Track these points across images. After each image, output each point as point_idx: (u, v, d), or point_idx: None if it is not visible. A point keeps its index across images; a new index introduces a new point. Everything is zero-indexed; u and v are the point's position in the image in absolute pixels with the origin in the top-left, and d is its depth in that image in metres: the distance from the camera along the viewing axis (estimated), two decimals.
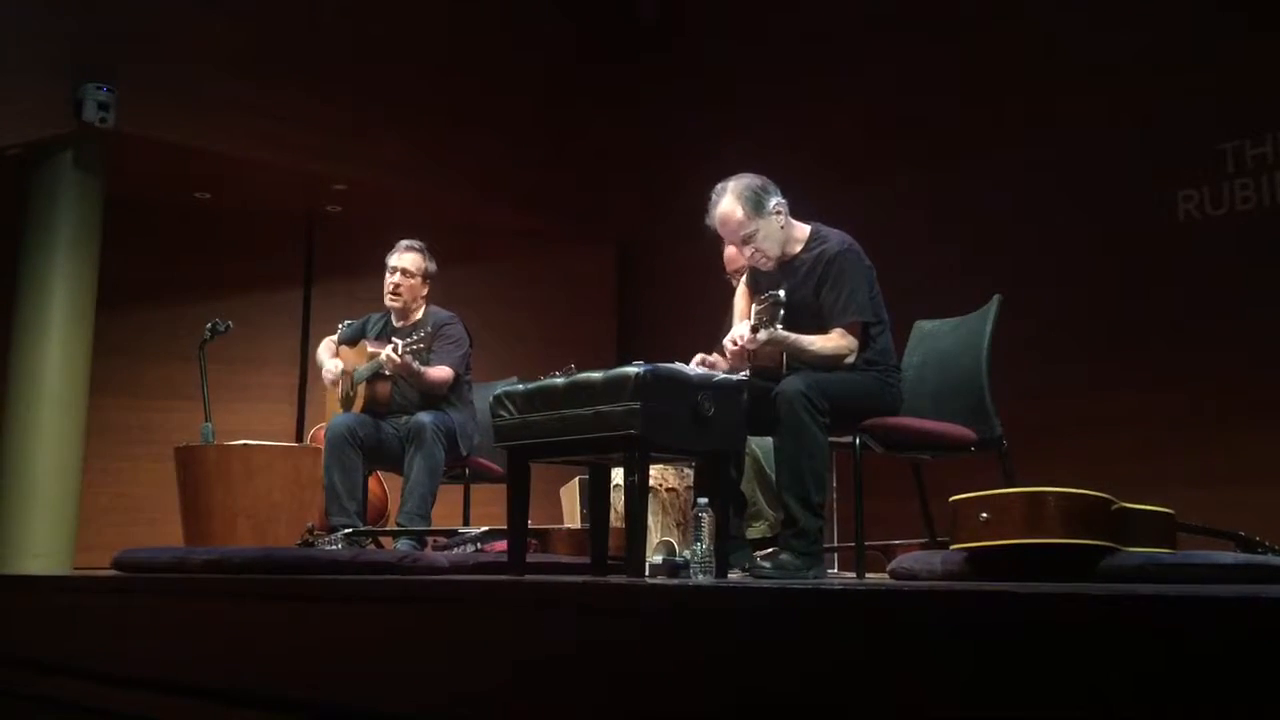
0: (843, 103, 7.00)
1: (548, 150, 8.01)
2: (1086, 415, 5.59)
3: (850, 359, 3.44)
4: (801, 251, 3.59)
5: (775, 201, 3.55)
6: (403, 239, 4.91)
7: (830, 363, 3.41)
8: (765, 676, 1.77)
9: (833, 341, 3.43)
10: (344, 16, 7.30)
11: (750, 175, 3.59)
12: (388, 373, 4.60)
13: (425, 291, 4.87)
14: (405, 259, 4.82)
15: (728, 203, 3.55)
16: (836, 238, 3.58)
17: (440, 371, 4.64)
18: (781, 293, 3.38)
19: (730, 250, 4.30)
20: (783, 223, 3.57)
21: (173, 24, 6.70)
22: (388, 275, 4.82)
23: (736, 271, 4.20)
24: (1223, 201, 5.50)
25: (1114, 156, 5.82)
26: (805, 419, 3.19)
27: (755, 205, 3.52)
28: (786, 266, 3.60)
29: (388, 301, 4.84)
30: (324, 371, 4.92)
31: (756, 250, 3.56)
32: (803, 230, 3.63)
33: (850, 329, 3.44)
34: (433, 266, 4.87)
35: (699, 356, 3.69)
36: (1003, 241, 6.06)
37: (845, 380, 3.39)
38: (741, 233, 3.54)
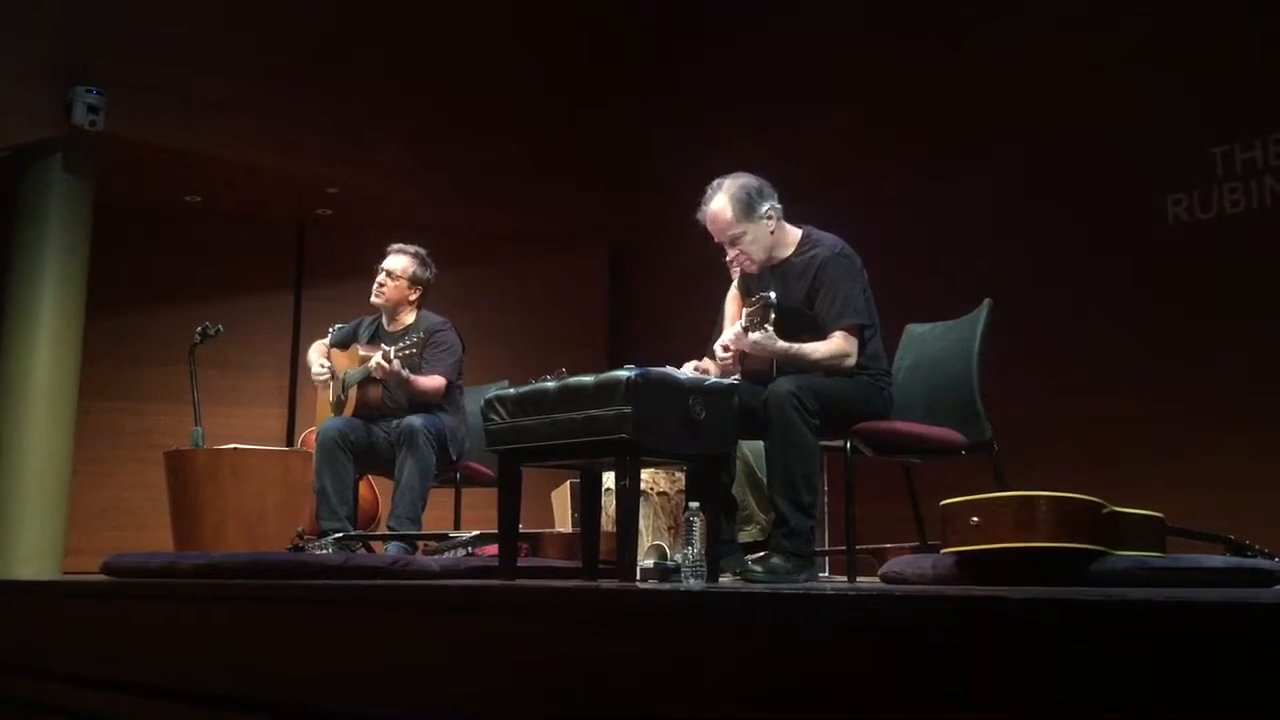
0: (836, 106, 7.01)
1: (540, 154, 8.00)
2: (1077, 419, 5.59)
3: (850, 362, 3.44)
4: (792, 255, 3.59)
5: (768, 206, 3.54)
6: (399, 242, 4.92)
7: (832, 368, 3.41)
8: (757, 680, 1.77)
9: (834, 345, 3.43)
10: (336, 19, 7.29)
11: (748, 176, 3.58)
12: (378, 378, 4.59)
13: (414, 296, 4.85)
14: (390, 260, 4.85)
15: (719, 202, 3.54)
16: (829, 242, 3.58)
17: (432, 381, 4.63)
18: (772, 295, 3.37)
19: None
20: (773, 228, 3.56)
21: (163, 27, 6.68)
22: (376, 277, 4.85)
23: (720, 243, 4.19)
24: (1212, 205, 5.51)
25: (1104, 160, 5.84)
26: (795, 420, 3.19)
27: (746, 208, 3.51)
28: (776, 270, 3.60)
29: (373, 299, 4.85)
30: (313, 374, 4.91)
31: (741, 252, 3.57)
32: (794, 234, 3.62)
33: (849, 332, 3.44)
34: (424, 272, 4.85)
35: (691, 364, 3.68)
36: (993, 245, 6.07)
37: (835, 383, 3.39)
38: (728, 233, 3.54)
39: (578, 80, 8.18)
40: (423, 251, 4.89)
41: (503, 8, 7.95)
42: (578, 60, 8.21)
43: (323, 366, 4.87)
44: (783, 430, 3.20)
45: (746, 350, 3.45)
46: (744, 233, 3.53)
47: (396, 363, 4.45)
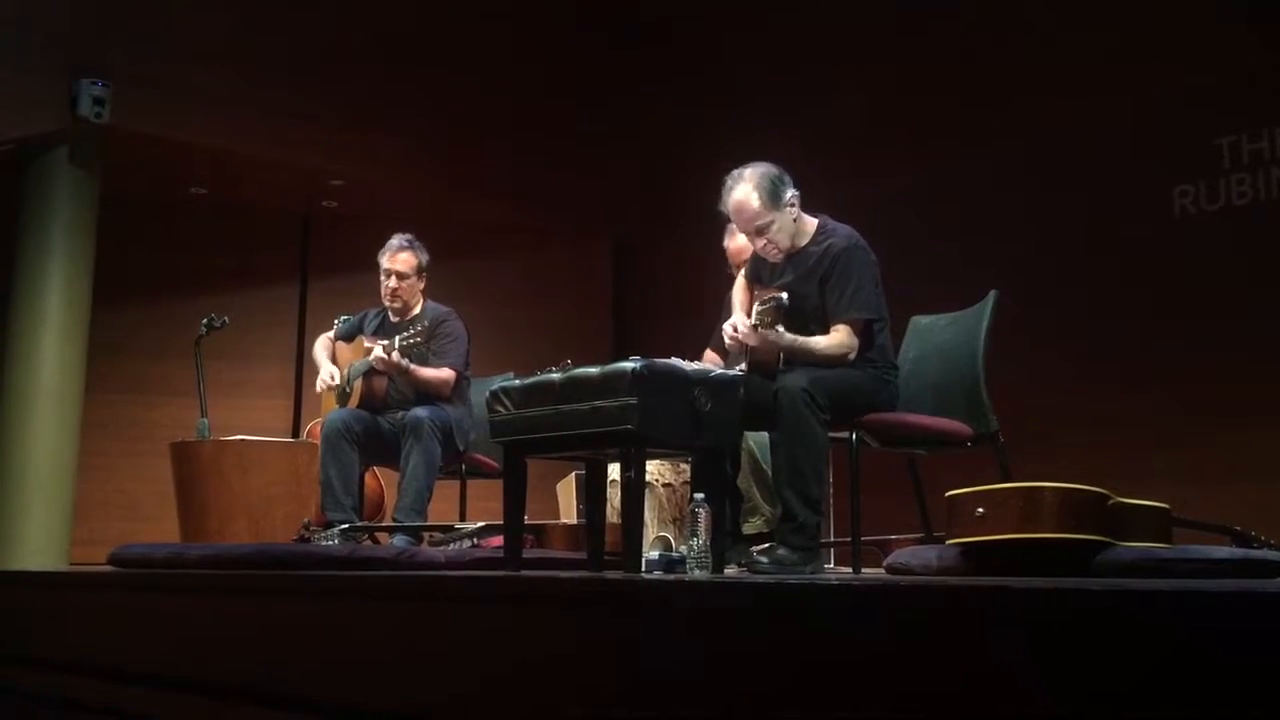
0: (842, 99, 7.00)
1: (545, 146, 8.00)
2: (1082, 411, 5.59)
3: (852, 356, 3.44)
4: (808, 244, 3.58)
5: (791, 194, 3.53)
6: (391, 236, 4.84)
7: (834, 362, 3.41)
8: (762, 671, 1.77)
9: (836, 340, 3.42)
10: (341, 12, 7.29)
11: (767, 164, 3.55)
12: (380, 370, 4.60)
13: (423, 285, 4.85)
14: (399, 261, 4.75)
15: (744, 191, 3.50)
16: (844, 232, 3.57)
17: (440, 373, 4.62)
18: (785, 296, 3.37)
19: (733, 244, 4.29)
20: (795, 215, 3.55)
21: (169, 19, 6.69)
22: (383, 279, 4.77)
23: (741, 264, 4.19)
24: (1219, 197, 5.49)
25: (1110, 151, 5.82)
26: (806, 415, 3.19)
27: (773, 196, 3.49)
28: (793, 258, 3.59)
29: (387, 304, 4.82)
30: (318, 380, 4.89)
31: (769, 242, 3.55)
32: (810, 223, 3.61)
33: (853, 325, 3.44)
34: (425, 258, 4.83)
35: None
36: (999, 237, 6.06)
37: (844, 377, 3.39)
38: (756, 223, 3.51)
39: (582, 72, 8.17)
40: (411, 237, 4.84)
41: (508, 1, 7.94)
42: (582, 52, 8.20)
43: (332, 376, 4.83)
44: (794, 425, 3.20)
45: (755, 345, 3.45)
46: (772, 221, 3.50)
47: (396, 354, 4.46)
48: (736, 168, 3.57)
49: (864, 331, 3.46)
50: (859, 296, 3.44)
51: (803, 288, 3.47)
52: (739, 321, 3.55)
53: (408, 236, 4.83)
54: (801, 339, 3.39)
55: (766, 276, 3.65)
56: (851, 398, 3.38)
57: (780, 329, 3.33)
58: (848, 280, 3.44)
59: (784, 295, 3.36)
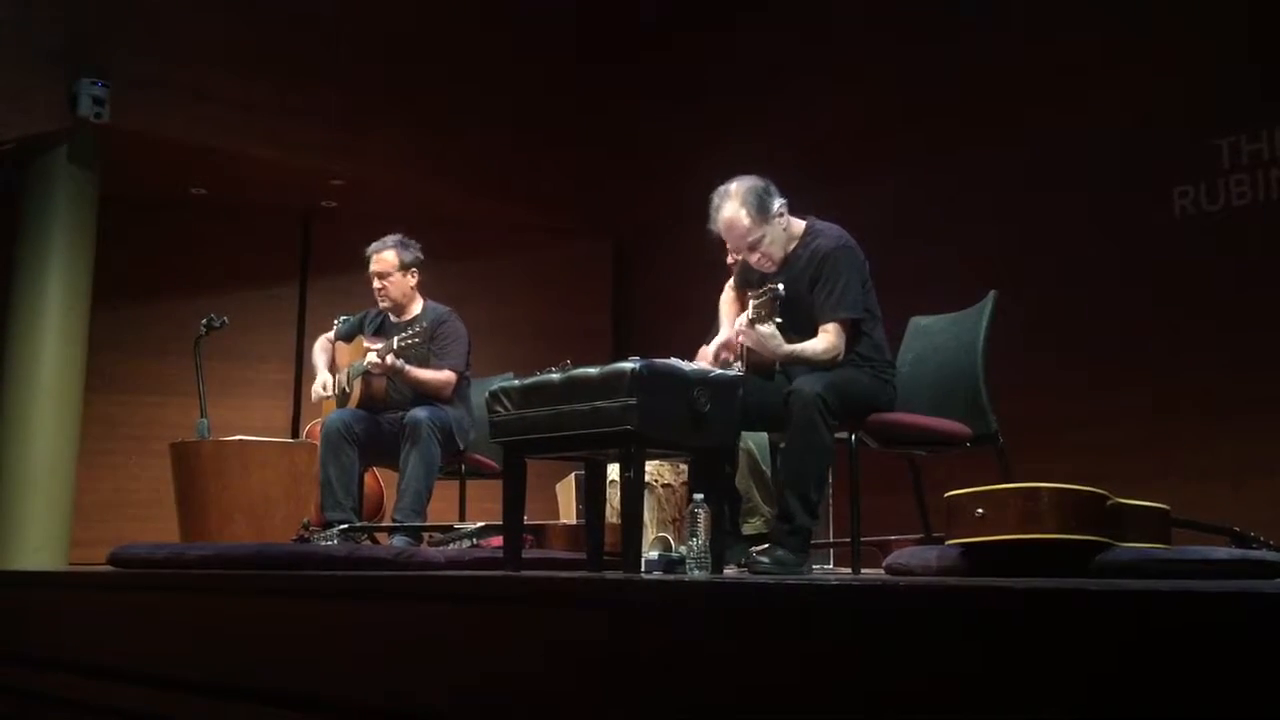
0: (840, 99, 7.00)
1: (544, 145, 8.00)
2: (1082, 411, 5.59)
3: (841, 356, 3.43)
4: (797, 247, 3.58)
5: (778, 204, 3.51)
6: (377, 239, 4.83)
7: (827, 365, 3.41)
8: (762, 671, 1.77)
9: (827, 342, 3.42)
10: (341, 11, 7.29)
11: (751, 178, 3.53)
12: (375, 374, 4.60)
13: (414, 282, 4.83)
14: (379, 261, 4.76)
15: (732, 209, 3.48)
16: (833, 233, 3.56)
17: (441, 375, 4.62)
18: (780, 286, 3.36)
19: None
20: (785, 225, 3.54)
21: (168, 18, 6.69)
22: (372, 281, 4.80)
23: (738, 251, 4.18)
24: (1219, 197, 5.50)
25: (1110, 152, 5.83)
26: (818, 422, 3.19)
27: (761, 210, 3.47)
28: (783, 264, 3.59)
29: (379, 304, 4.83)
30: (313, 388, 4.89)
31: (762, 255, 3.54)
32: (798, 226, 3.60)
33: (841, 325, 3.43)
34: (410, 255, 4.79)
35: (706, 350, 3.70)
36: (999, 238, 6.06)
37: (851, 379, 3.39)
38: (748, 239, 3.49)
39: (582, 73, 8.17)
40: (399, 236, 4.84)
41: (506, 1, 7.94)
42: (582, 52, 8.20)
43: (324, 386, 4.83)
44: (804, 430, 3.20)
45: (751, 345, 3.44)
46: (763, 236, 3.49)
47: (390, 358, 4.47)
48: (722, 184, 3.54)
49: (851, 330, 3.46)
50: (846, 296, 3.43)
51: (792, 290, 3.45)
52: (738, 327, 3.54)
53: (394, 236, 4.83)
54: (795, 348, 3.39)
55: (756, 283, 3.64)
56: (858, 400, 3.38)
57: (778, 321, 3.32)
58: (835, 280, 3.43)
59: (779, 286, 3.34)
